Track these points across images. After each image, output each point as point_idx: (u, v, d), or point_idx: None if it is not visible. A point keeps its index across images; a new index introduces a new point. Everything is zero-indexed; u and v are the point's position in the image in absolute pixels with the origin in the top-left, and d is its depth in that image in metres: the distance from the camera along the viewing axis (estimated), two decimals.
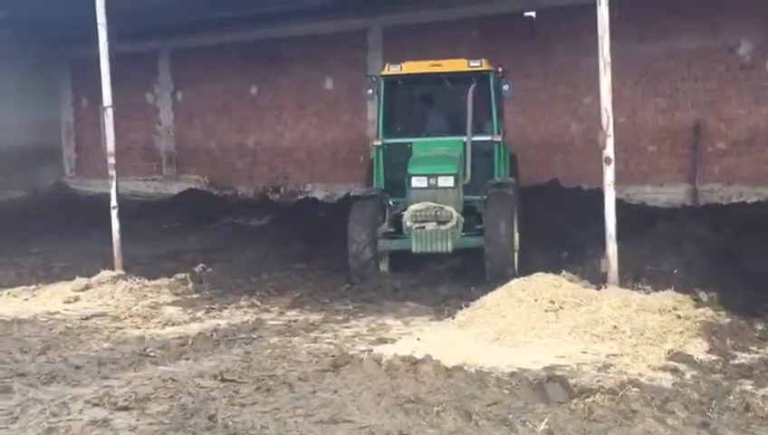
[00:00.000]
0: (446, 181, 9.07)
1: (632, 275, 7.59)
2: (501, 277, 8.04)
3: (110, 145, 9.73)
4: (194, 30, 16.90)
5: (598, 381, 5.23)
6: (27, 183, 19.07)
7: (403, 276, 9.15)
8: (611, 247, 7.10)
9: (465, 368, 5.54)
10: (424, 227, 8.79)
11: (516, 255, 8.92)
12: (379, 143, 10.00)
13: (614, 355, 5.78)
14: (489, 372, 5.44)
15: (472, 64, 9.68)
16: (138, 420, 4.80)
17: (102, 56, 9.60)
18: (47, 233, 13.58)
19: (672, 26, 13.08)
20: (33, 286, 9.11)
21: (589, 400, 4.82)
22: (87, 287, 8.76)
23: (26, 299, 8.62)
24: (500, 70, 9.86)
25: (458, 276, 9.15)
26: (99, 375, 5.76)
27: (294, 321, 7.48)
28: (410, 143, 9.85)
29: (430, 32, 14.63)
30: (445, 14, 14.61)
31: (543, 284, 6.98)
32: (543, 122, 14.36)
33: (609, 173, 7.13)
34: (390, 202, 9.58)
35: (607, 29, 7.06)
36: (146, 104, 19.04)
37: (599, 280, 7.26)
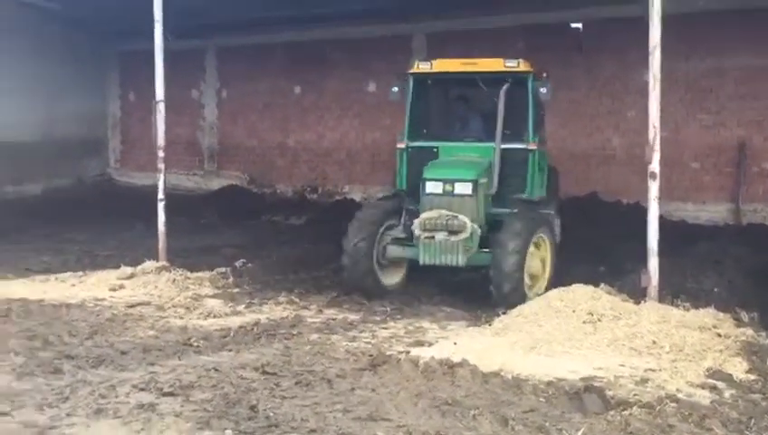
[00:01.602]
0: (464, 188, 8.37)
1: (672, 292, 7.56)
2: (506, 303, 7.61)
3: (160, 139, 9.94)
4: (241, 29, 17.17)
5: (635, 394, 5.24)
6: (73, 173, 19.53)
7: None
8: (652, 262, 7.09)
9: (502, 374, 5.60)
10: (433, 237, 8.16)
11: (545, 280, 8.38)
12: (403, 146, 9.26)
13: (652, 370, 5.77)
14: (526, 380, 5.49)
15: (508, 64, 8.94)
16: (182, 406, 4.95)
17: (157, 52, 9.81)
18: (92, 222, 13.94)
19: (720, 44, 12.97)
20: (80, 273, 9.38)
21: (626, 412, 4.85)
22: (132, 276, 8.98)
23: (73, 285, 8.87)
24: (544, 75, 9.22)
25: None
26: (144, 361, 5.94)
27: (333, 319, 7.60)
28: (437, 147, 9.21)
29: (474, 39, 14.66)
30: (490, 22, 14.65)
31: (582, 295, 6.99)
32: (585, 135, 14.32)
33: (653, 188, 7.12)
34: (410, 207, 8.87)
35: (658, 44, 7.06)
36: (191, 100, 19.38)
37: (638, 295, 7.25)
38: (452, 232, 8.16)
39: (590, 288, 7.18)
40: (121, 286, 8.65)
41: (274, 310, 7.91)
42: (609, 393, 5.20)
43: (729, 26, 12.77)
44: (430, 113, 9.94)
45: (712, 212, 13.10)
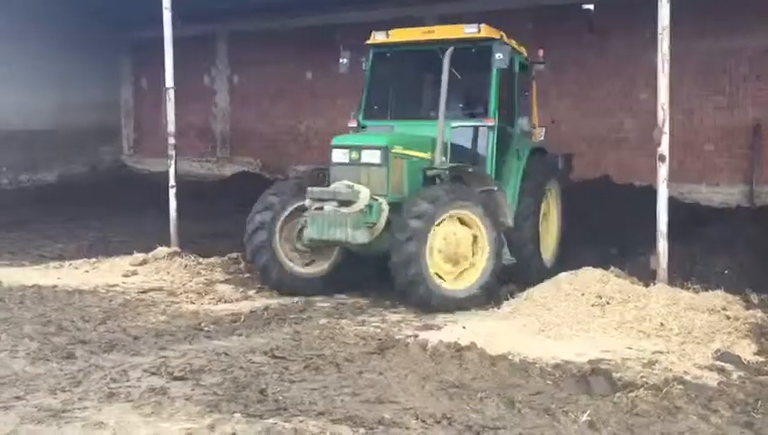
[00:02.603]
0: (371, 156, 7.33)
1: (682, 274, 7.56)
2: (409, 298, 7.01)
3: (171, 126, 10.01)
4: (251, 14, 17.15)
5: (642, 376, 5.26)
6: (87, 160, 19.68)
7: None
8: (662, 245, 7.06)
9: (510, 357, 5.63)
10: (322, 208, 7.31)
11: (480, 269, 7.32)
12: (354, 125, 8.38)
13: (660, 352, 5.79)
14: (533, 363, 5.52)
15: (467, 30, 7.92)
16: (193, 389, 5.02)
17: (166, 39, 9.85)
18: (105, 208, 14.05)
19: (734, 23, 12.78)
20: (94, 259, 9.49)
21: (632, 394, 4.87)
22: (144, 262, 9.07)
23: (87, 271, 8.98)
24: (540, 53, 8.64)
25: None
26: (156, 346, 6.02)
27: (343, 304, 7.65)
28: (392, 126, 8.24)
29: (484, 21, 14.56)
30: (499, 4, 14.52)
31: (591, 278, 6.99)
32: (597, 117, 14.20)
33: (663, 170, 7.08)
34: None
35: (667, 25, 6.98)
36: (203, 87, 19.41)
37: (647, 277, 7.24)
38: (342, 203, 7.24)
39: (600, 271, 7.18)
40: (134, 272, 8.75)
41: (284, 295, 7.96)
42: (616, 375, 5.22)
43: (744, 5, 12.59)
44: (390, 90, 8.97)
45: (725, 194, 12.98)
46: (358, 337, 6.27)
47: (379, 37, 8.48)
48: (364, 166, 7.37)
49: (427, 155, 7.73)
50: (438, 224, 7.13)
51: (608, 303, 6.61)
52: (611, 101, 14.04)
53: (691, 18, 11.97)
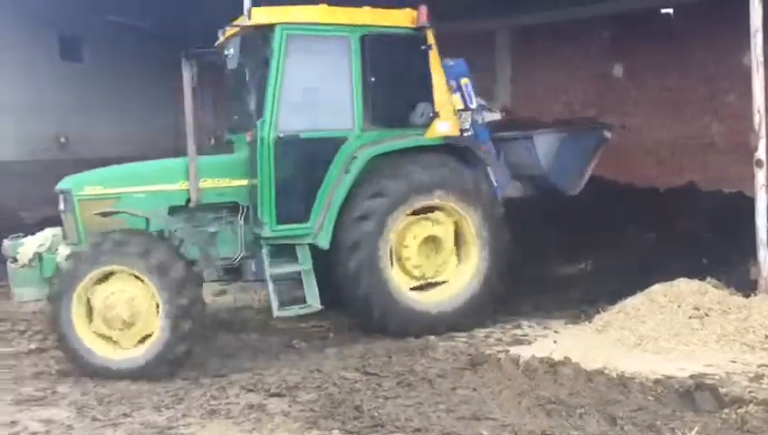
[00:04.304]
0: (62, 202, 6.41)
1: None
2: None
3: None
4: None
5: (750, 391, 5.05)
6: None
7: None
8: (762, 254, 6.77)
9: (606, 372, 5.49)
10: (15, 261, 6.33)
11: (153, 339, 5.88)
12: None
13: (766, 366, 5.54)
14: (632, 378, 5.36)
15: (241, 23, 6.64)
16: (290, 406, 5.11)
17: None
18: None
19: None
20: None
21: (741, 410, 4.68)
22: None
23: None
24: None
25: None
26: (251, 363, 6.15)
27: None
28: (232, 140, 7.20)
29: (560, 32, 14.41)
30: (575, 13, 14.33)
31: (687, 290, 6.75)
32: (679, 123, 13.80)
33: (760, 176, 6.80)
34: None
35: (760, 27, 6.75)
36: None
37: (746, 288, 6.94)
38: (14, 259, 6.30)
39: (696, 282, 6.93)
40: (223, 292, 8.94)
41: None
42: (723, 391, 5.02)
43: None
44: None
45: None
46: (447, 353, 6.24)
47: (239, 22, 6.79)
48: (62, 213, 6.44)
49: (174, 186, 6.49)
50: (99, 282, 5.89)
51: (706, 315, 6.37)
52: (694, 107, 13.61)
53: None
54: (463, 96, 7.51)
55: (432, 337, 6.85)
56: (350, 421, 4.78)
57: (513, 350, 6.24)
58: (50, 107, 15.73)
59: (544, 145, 8.07)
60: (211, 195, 6.54)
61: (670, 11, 12.28)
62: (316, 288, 6.52)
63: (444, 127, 7.17)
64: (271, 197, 6.46)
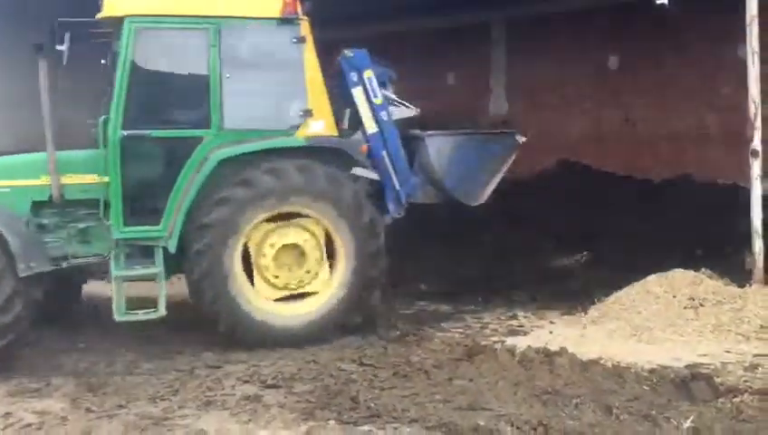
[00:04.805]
0: None
1: None
2: None
3: None
4: None
5: (745, 381, 5.08)
6: None
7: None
8: (757, 244, 6.80)
9: (602, 362, 5.51)
10: None
11: None
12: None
13: (762, 355, 5.57)
14: (627, 368, 5.38)
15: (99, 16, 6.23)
16: (286, 397, 5.11)
17: None
18: None
19: None
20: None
21: (736, 399, 4.71)
22: None
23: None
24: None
25: None
26: (247, 355, 6.12)
27: (424, 310, 7.65)
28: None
29: (556, 23, 14.38)
30: (571, 4, 14.30)
31: (682, 280, 6.78)
32: (675, 114, 13.79)
33: (755, 167, 6.82)
34: None
35: (755, 16, 6.75)
36: None
37: (741, 278, 6.96)
38: None
39: (691, 273, 6.96)
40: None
41: None
42: (718, 380, 5.04)
43: None
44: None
45: None
46: (444, 344, 6.26)
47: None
48: None
49: (36, 182, 6.26)
50: None
51: (701, 305, 6.40)
52: (690, 98, 13.60)
53: None
54: (365, 90, 6.95)
55: (428, 327, 6.85)
56: (347, 412, 4.78)
57: (510, 340, 6.26)
58: None
59: (435, 148, 7.17)
60: (75, 191, 6.28)
61: (665, 1, 12.20)
62: (165, 293, 6.22)
63: (317, 126, 6.56)
64: (118, 197, 6.18)
